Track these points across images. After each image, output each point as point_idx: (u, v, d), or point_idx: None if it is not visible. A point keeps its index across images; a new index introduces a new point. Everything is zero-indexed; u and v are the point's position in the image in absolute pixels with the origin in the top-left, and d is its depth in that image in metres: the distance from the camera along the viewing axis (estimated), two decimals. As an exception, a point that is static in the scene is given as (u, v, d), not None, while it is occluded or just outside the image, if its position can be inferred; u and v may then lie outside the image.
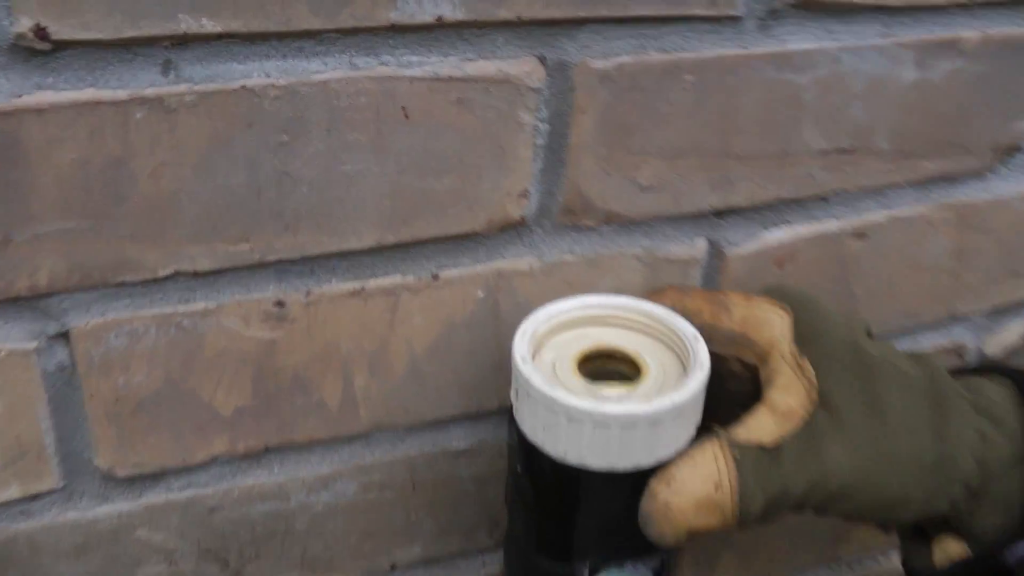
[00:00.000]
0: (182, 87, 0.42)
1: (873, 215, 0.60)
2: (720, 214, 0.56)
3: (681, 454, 0.46)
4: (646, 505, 0.46)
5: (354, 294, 0.50)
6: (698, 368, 0.47)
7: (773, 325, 0.50)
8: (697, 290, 0.52)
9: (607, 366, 0.51)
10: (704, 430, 0.48)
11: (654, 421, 0.44)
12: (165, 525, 0.53)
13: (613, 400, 0.46)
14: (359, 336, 0.51)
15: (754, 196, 0.56)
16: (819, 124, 0.55)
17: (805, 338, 0.49)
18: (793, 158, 0.55)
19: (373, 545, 0.59)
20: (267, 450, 0.53)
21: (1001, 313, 0.70)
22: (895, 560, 0.78)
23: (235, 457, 0.52)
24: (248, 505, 0.54)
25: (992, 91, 0.59)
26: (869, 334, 0.52)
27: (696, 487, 0.45)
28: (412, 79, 0.45)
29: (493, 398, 0.56)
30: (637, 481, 0.46)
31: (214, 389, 0.50)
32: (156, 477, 0.51)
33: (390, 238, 0.49)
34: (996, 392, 0.50)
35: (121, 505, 0.51)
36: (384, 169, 0.47)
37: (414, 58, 0.45)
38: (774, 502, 0.46)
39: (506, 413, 0.48)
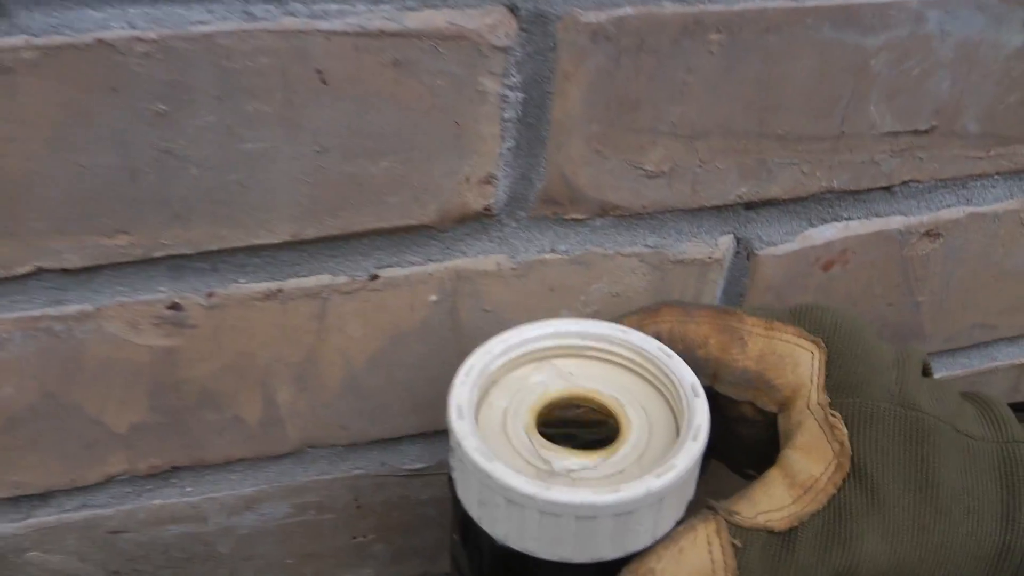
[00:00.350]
0: (18, 40, 0.31)
1: (951, 211, 0.48)
2: (751, 206, 0.44)
3: (665, 539, 0.36)
4: None
5: (269, 296, 0.39)
6: (692, 436, 0.36)
7: (799, 365, 0.39)
8: (704, 310, 0.41)
9: (578, 416, 0.40)
10: (697, 503, 0.37)
11: (622, 512, 0.34)
12: (61, 547, 0.45)
13: (568, 480, 0.35)
14: (279, 345, 0.41)
15: (798, 186, 0.43)
16: (890, 99, 0.42)
17: (840, 385, 0.39)
18: (852, 141, 0.43)
19: (315, 568, 0.51)
20: (175, 469, 0.44)
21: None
22: None
23: (136, 477, 0.44)
24: (158, 527, 0.46)
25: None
26: (926, 370, 0.41)
27: None
28: (330, 34, 0.34)
29: (454, 416, 0.46)
30: (605, 570, 0.36)
31: (102, 403, 0.41)
32: (44, 497, 0.44)
33: (311, 231, 0.38)
34: None
35: (4, 527, 0.44)
36: (298, 149, 0.35)
37: (332, 6, 0.33)
38: None
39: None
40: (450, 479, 0.38)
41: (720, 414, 0.40)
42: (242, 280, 0.39)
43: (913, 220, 0.48)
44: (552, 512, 0.33)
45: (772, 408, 0.40)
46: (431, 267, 0.41)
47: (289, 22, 0.33)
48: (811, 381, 0.39)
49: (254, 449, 0.44)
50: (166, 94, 0.33)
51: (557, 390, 0.39)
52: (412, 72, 0.35)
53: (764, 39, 0.39)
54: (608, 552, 0.35)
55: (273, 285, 0.39)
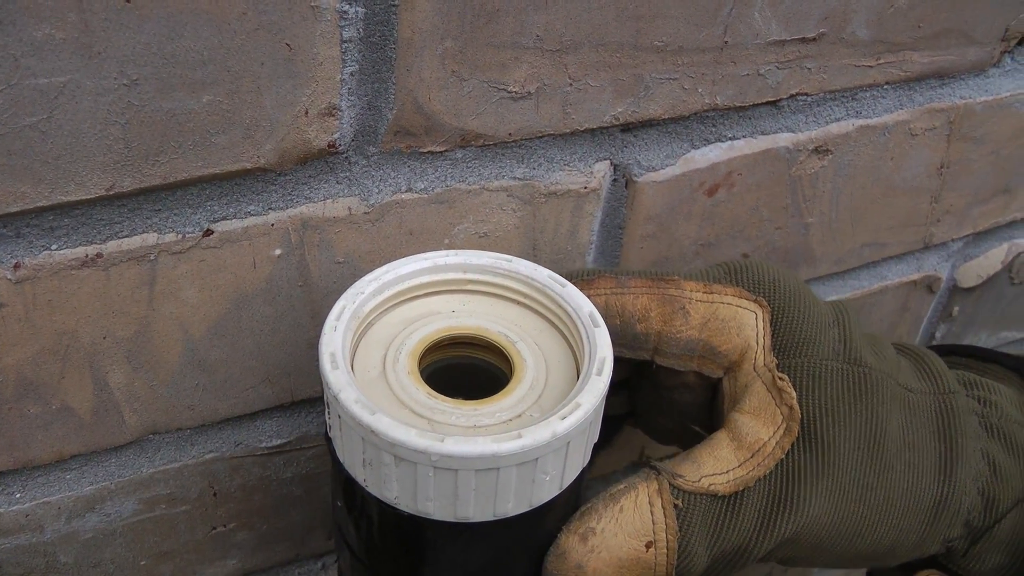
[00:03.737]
0: None
1: (840, 125, 0.46)
2: (629, 128, 0.40)
3: (605, 498, 0.33)
4: (552, 565, 0.34)
5: (87, 263, 0.34)
6: (595, 371, 0.32)
7: (744, 327, 0.37)
8: (639, 279, 0.38)
9: (465, 358, 0.36)
10: (638, 464, 0.34)
11: (526, 461, 0.30)
12: None
13: (462, 430, 0.32)
14: (105, 319, 0.36)
15: (678, 104, 0.40)
16: (775, 4, 0.39)
17: (786, 344, 0.37)
18: (736, 51, 0.40)
19: (173, 566, 0.45)
20: (-2, 475, 0.38)
21: (982, 238, 0.57)
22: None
23: (-49, 487, 0.38)
24: (-15, 542, 0.40)
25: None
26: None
27: (621, 545, 0.34)
28: (127, -60, 0.28)
29: (313, 383, 0.42)
30: (511, 527, 0.32)
31: None
32: None
33: (128, 182, 0.33)
34: (1008, 397, 0.38)
35: None
36: (102, 83, 0.30)
37: (127, -94, 0.28)
38: (727, 562, 0.35)
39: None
40: (328, 439, 0.33)
41: (655, 384, 0.39)
42: (54, 246, 0.34)
43: (801, 136, 0.45)
44: (448, 467, 0.29)
45: (717, 374, 0.38)
46: (272, 216, 0.36)
47: (76, -73, 0.28)
48: (756, 342, 0.37)
49: (89, 442, 0.39)
50: (-69, 22, 0.28)
51: (438, 330, 0.35)
52: (230, -15, 0.30)
53: (625, -63, 0.35)
54: (512, 507, 0.31)
55: (91, 249, 0.34)
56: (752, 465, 0.35)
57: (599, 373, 0.33)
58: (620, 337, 0.37)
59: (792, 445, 0.36)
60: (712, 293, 0.38)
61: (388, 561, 0.34)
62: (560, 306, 0.36)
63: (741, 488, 0.35)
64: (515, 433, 0.30)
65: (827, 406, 0.36)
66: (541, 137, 0.39)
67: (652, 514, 0.34)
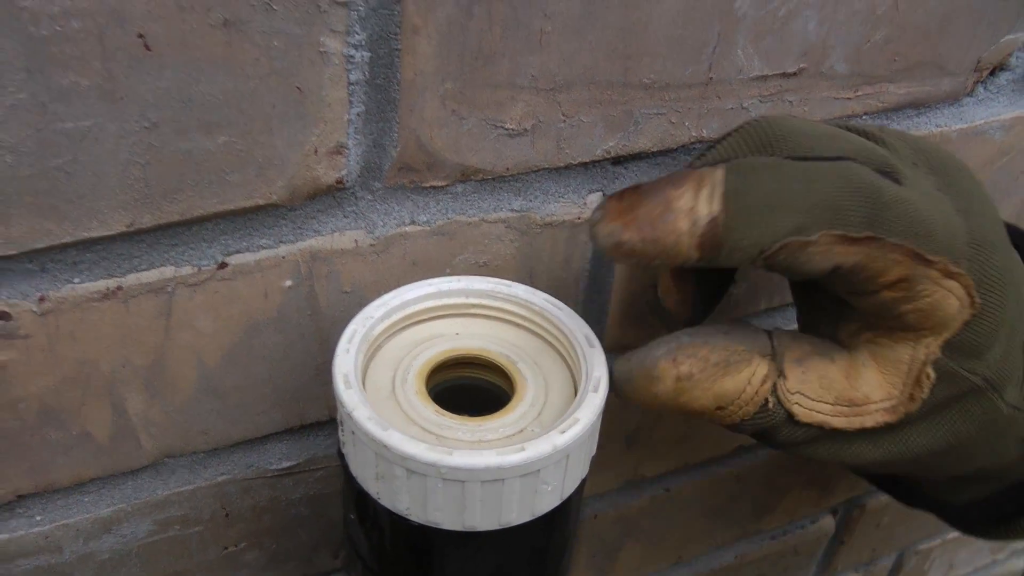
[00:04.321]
0: None
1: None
2: (619, 161, 0.43)
3: (719, 351, 0.36)
4: (638, 383, 0.37)
5: (108, 295, 0.36)
6: (591, 388, 0.34)
7: (944, 314, 0.35)
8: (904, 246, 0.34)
9: (469, 378, 0.38)
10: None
11: (529, 472, 0.32)
12: None
13: (468, 441, 0.34)
14: (124, 349, 0.37)
15: (666, 137, 0.42)
16: (757, 41, 0.41)
17: (963, 346, 0.36)
18: (721, 87, 0.42)
19: (185, 586, 0.47)
20: (20, 498, 0.40)
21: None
22: (824, 523, 0.69)
23: (-25, 511, 0.39)
24: (6, 564, 0.42)
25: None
26: None
27: (700, 398, 0.37)
28: (149, -6, 0.30)
29: (321, 407, 0.44)
30: (515, 536, 0.34)
31: (-75, 431, 0.36)
32: None
33: (148, 219, 0.35)
34: None
35: None
36: (124, 126, 0.32)
37: (149, -38, 0.30)
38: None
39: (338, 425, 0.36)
40: (341, 455, 0.35)
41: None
42: (76, 280, 0.35)
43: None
44: (456, 479, 0.31)
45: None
46: (283, 249, 0.38)
47: (101, -18, 0.30)
48: (940, 334, 0.36)
49: (107, 466, 0.41)
50: (-34, 73, 0.30)
51: (443, 351, 0.37)
52: (244, 33, 0.32)
53: (616, -19, 0.37)
54: (516, 516, 0.33)
55: (111, 283, 0.36)
56: (841, 412, 0.37)
57: (595, 390, 0.35)
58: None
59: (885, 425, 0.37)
60: (949, 278, 0.34)
61: (399, 570, 0.36)
62: (558, 328, 0.38)
63: (814, 424, 0.36)
64: (518, 446, 0.32)
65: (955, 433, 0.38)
66: (537, 171, 0.41)
67: (745, 390, 0.36)
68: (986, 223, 0.36)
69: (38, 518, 0.41)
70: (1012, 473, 0.41)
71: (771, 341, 0.37)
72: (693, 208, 0.32)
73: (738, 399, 0.36)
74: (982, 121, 0.51)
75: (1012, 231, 0.40)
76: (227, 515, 0.45)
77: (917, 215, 0.34)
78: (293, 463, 0.45)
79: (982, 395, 0.37)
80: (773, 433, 0.37)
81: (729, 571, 0.70)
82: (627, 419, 0.53)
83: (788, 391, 0.36)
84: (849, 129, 0.38)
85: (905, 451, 0.38)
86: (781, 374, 0.36)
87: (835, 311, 0.38)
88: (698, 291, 0.39)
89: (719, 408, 0.36)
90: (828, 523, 0.73)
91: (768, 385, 0.36)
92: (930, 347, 0.36)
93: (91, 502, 0.42)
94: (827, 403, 0.37)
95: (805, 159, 0.34)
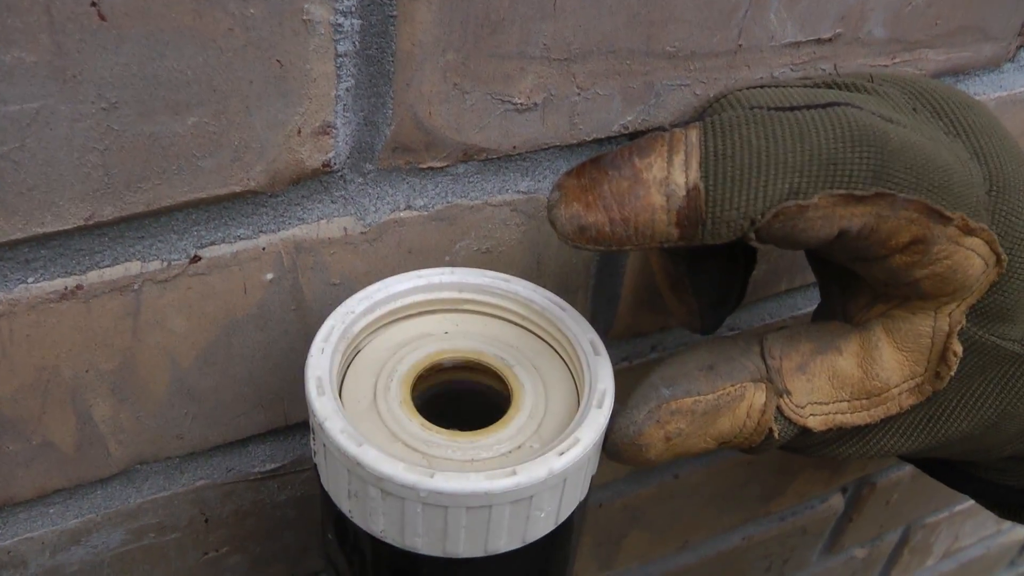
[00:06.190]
0: None
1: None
2: (636, 137, 0.38)
3: (706, 404, 0.32)
4: (627, 451, 0.32)
5: (66, 295, 0.32)
6: (595, 403, 0.31)
7: (965, 277, 0.31)
8: (917, 204, 0.29)
9: (460, 382, 0.34)
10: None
11: (520, 499, 0.28)
12: None
13: (455, 461, 0.30)
14: (87, 353, 0.33)
15: (688, 111, 0.38)
16: (792, 4, 0.37)
17: (995, 313, 0.32)
18: (750, 55, 0.37)
19: (163, 593, 0.43)
20: (-22, 513, 0.36)
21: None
22: (834, 502, 0.67)
23: (-70, 527, 0.36)
24: (-35, 581, 0.38)
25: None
26: None
27: (698, 445, 0.33)
28: (102, -44, 0.26)
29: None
30: (503, 563, 0.31)
31: None
32: None
33: (110, 211, 0.31)
34: None
35: None
36: (79, 108, 0.28)
37: (100, -81, 0.26)
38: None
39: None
40: (315, 467, 0.32)
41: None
42: (30, 279, 0.31)
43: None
44: (438, 503, 0.28)
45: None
46: (263, 240, 0.34)
47: (46, -57, 0.25)
48: (963, 298, 0.31)
49: (73, 476, 0.37)
50: None
51: (432, 354, 0.33)
52: (216, 0, 0.28)
53: (635, -62, 0.33)
54: (504, 544, 0.30)
55: (70, 281, 0.32)
56: (861, 407, 0.33)
57: (599, 406, 0.31)
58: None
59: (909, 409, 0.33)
60: (970, 235, 0.30)
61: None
62: (560, 331, 0.34)
63: (834, 428, 0.33)
64: (510, 470, 0.28)
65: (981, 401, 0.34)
66: (546, 149, 0.37)
67: (744, 424, 0.32)
68: (1007, 164, 0.31)
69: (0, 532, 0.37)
70: None
71: (763, 359, 0.33)
72: (667, 178, 0.28)
73: (739, 434, 0.32)
74: (1022, 88, 0.47)
75: None
76: (207, 520, 0.42)
77: (930, 163, 0.29)
78: (278, 465, 0.41)
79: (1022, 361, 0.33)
80: (791, 445, 0.34)
81: (736, 553, 0.67)
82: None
83: (796, 406, 0.32)
84: (832, 85, 0.33)
85: (942, 434, 0.34)
86: (783, 392, 0.32)
87: (842, 283, 0.34)
88: (701, 301, 0.35)
89: (722, 444, 0.33)
90: (837, 502, 0.70)
91: (769, 414, 0.32)
92: (953, 315, 0.32)
93: (57, 514, 0.38)
94: (844, 401, 0.33)
95: (792, 109, 0.29)
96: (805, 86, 0.33)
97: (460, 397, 0.34)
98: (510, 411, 0.32)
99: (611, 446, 0.32)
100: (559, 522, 0.31)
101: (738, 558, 0.68)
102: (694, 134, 0.28)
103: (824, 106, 0.29)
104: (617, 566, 0.60)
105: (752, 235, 0.29)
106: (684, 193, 0.28)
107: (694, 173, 0.28)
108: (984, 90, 0.46)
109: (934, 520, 0.84)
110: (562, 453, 0.29)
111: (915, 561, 0.88)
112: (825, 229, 0.29)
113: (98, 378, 0.34)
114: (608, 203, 0.28)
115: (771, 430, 0.32)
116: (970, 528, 0.89)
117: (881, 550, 0.83)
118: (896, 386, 0.33)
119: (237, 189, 0.32)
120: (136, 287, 0.33)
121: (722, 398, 0.32)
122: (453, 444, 0.31)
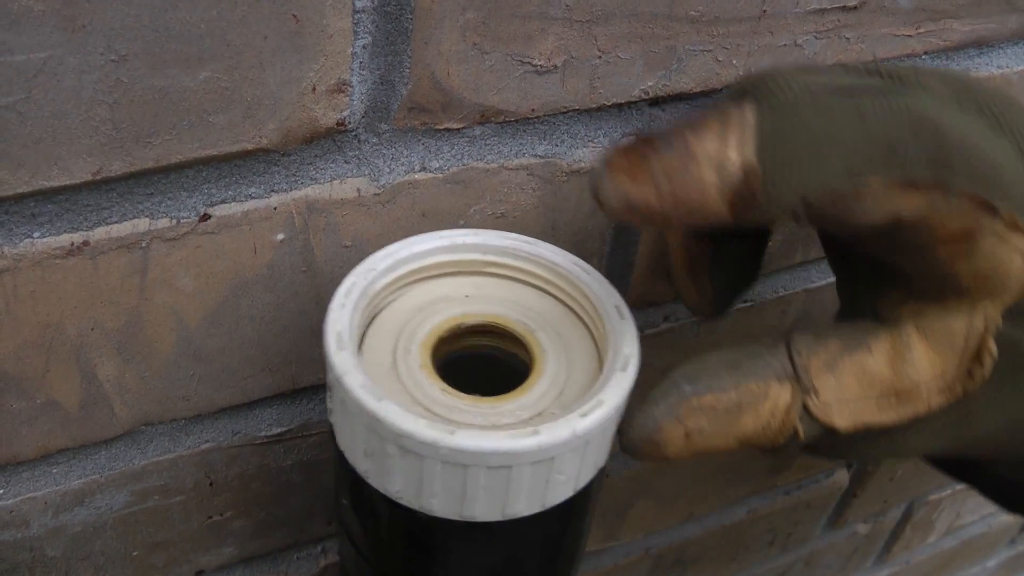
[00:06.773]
0: None
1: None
2: (657, 102, 0.38)
3: (728, 405, 0.31)
4: (644, 447, 0.31)
5: (73, 251, 0.31)
6: (620, 367, 0.30)
7: (1007, 274, 0.30)
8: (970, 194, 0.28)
9: (482, 347, 0.34)
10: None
11: (542, 459, 0.28)
12: None
13: (476, 421, 0.29)
14: (93, 310, 0.33)
15: (711, 76, 0.37)
16: None
17: None
18: (774, 21, 0.37)
19: (167, 555, 0.43)
20: (-20, 471, 0.35)
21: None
22: (839, 477, 0.66)
23: (-70, 485, 0.35)
24: (-34, 539, 0.37)
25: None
26: None
27: (719, 445, 0.32)
28: (114, -98, 0.25)
29: (316, 371, 0.39)
30: (521, 528, 0.30)
31: None
32: None
33: (118, 166, 0.30)
34: None
35: None
36: (88, 59, 0.27)
37: None
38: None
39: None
40: (330, 426, 0.31)
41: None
42: (36, 234, 0.31)
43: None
44: (458, 462, 0.27)
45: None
46: (275, 199, 0.33)
47: None
48: (1004, 296, 0.30)
49: (77, 436, 0.36)
50: None
51: (453, 317, 0.33)
52: (231, -50, 0.27)
53: None
54: (523, 508, 0.29)
55: (76, 237, 0.31)
56: (889, 406, 0.32)
57: (623, 369, 0.30)
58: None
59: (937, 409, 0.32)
60: (1015, 232, 0.29)
61: (395, 559, 0.32)
62: (585, 295, 0.33)
63: (862, 427, 0.32)
64: (532, 429, 0.28)
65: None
66: (565, 112, 0.36)
67: (768, 424, 0.31)
68: None
69: (1, 492, 0.37)
70: None
71: (790, 356, 0.32)
72: (721, 156, 0.27)
73: (762, 434, 0.32)
74: (1047, 61, 0.46)
75: None
76: (211, 484, 0.41)
77: (983, 156, 0.28)
78: (284, 429, 0.41)
79: None
80: (815, 446, 0.33)
81: (740, 526, 0.67)
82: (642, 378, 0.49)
83: (824, 404, 0.31)
84: (875, 73, 0.33)
85: (970, 435, 0.33)
86: (810, 391, 0.31)
87: (872, 278, 0.33)
88: (717, 284, 0.35)
89: (744, 444, 0.32)
90: (842, 477, 0.70)
91: (794, 413, 0.31)
92: (989, 314, 0.31)
93: (60, 474, 0.37)
94: (871, 400, 0.32)
95: (849, 93, 0.28)
96: (848, 73, 0.32)
97: (481, 362, 0.34)
98: (532, 377, 0.32)
99: (628, 441, 0.31)
100: (578, 488, 0.30)
101: (742, 531, 0.67)
102: (750, 112, 0.27)
103: (881, 93, 0.28)
104: (622, 536, 0.60)
105: (803, 214, 0.28)
106: (738, 171, 0.27)
107: (750, 152, 0.27)
108: (1008, 63, 0.45)
109: (937, 497, 0.84)
110: (585, 415, 0.28)
111: (917, 537, 0.88)
112: (879, 214, 0.28)
113: (103, 337, 0.34)
114: (658, 179, 0.27)
115: (796, 430, 0.31)
116: (972, 506, 0.89)
117: (884, 526, 0.83)
118: (926, 383, 0.32)
119: (249, 147, 0.31)
120: (144, 245, 0.32)
121: (746, 396, 0.31)
122: (474, 409, 0.30)
